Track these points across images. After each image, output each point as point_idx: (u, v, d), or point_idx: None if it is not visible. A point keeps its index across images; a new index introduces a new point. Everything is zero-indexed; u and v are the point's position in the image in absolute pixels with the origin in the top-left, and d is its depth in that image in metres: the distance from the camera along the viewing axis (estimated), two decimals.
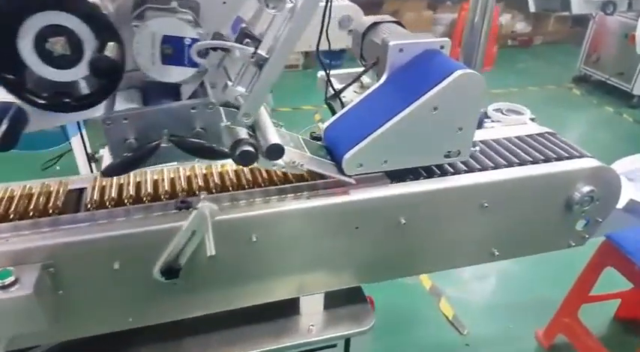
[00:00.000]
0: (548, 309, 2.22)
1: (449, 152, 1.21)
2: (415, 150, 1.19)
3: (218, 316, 1.21)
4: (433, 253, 1.32)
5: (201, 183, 1.17)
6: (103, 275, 1.07)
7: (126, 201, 1.12)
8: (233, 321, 1.32)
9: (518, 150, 1.38)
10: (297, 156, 1.10)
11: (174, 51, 0.94)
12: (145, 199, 1.12)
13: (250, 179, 1.20)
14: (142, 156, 0.88)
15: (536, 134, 1.50)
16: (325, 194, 1.16)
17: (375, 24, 1.41)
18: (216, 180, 1.19)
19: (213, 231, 1.07)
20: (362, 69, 1.40)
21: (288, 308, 1.34)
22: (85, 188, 1.19)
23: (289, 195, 1.15)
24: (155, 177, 1.20)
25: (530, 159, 1.34)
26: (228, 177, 1.20)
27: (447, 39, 1.25)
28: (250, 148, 0.99)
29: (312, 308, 1.34)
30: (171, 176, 1.20)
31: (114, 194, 1.12)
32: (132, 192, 1.13)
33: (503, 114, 1.67)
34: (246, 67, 0.94)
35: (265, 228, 1.12)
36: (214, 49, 0.92)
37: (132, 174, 1.18)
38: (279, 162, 1.04)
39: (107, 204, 1.10)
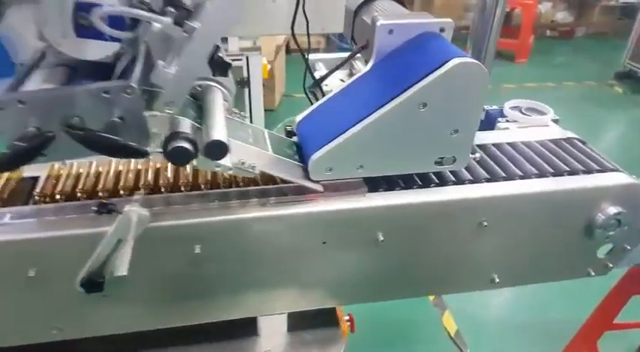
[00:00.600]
0: (562, 333, 1.98)
1: (441, 159, 1.00)
2: (398, 155, 0.97)
3: (167, 331, 1.04)
4: (417, 276, 1.11)
5: (131, 181, 0.99)
6: (16, 282, 0.91)
7: (58, 196, 0.95)
8: (182, 337, 1.15)
9: (533, 159, 1.15)
10: (250, 156, 0.90)
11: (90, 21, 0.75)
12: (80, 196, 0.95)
13: (190, 179, 1.01)
14: (30, 150, 0.70)
15: (558, 139, 1.27)
16: (285, 202, 0.96)
17: (370, 0, 1.19)
18: (151, 178, 1.00)
19: (146, 241, 0.89)
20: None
21: (248, 327, 1.17)
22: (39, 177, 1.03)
23: (241, 201, 0.96)
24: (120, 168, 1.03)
25: (547, 170, 1.11)
26: (167, 175, 1.01)
27: (448, 20, 1.02)
28: (185, 144, 0.80)
29: (272, 329, 1.16)
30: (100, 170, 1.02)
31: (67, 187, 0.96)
32: (86, 185, 0.97)
33: (522, 113, 1.43)
34: (177, 44, 0.75)
35: (212, 238, 0.94)
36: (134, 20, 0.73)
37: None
38: (224, 162, 0.85)
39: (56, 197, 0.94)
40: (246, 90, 3.00)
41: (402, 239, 1.03)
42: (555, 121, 1.41)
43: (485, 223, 1.04)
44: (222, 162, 0.85)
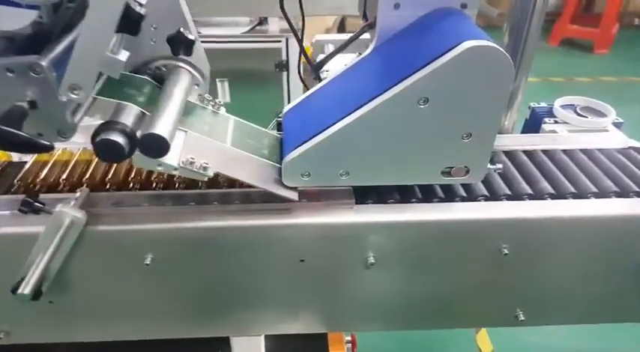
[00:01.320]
0: None
1: (449, 168, 0.79)
2: (393, 162, 0.78)
3: (129, 343, 0.93)
4: (417, 306, 0.92)
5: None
6: None
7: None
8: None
9: (578, 172, 0.92)
10: (205, 154, 0.74)
11: None
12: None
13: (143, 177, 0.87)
14: None
15: (616, 149, 1.01)
16: (251, 210, 0.80)
17: None
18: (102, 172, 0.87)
19: (86, 245, 0.77)
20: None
21: (222, 347, 1.03)
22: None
23: (200, 206, 0.81)
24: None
25: (589, 189, 0.87)
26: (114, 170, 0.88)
27: None
28: (116, 137, 0.65)
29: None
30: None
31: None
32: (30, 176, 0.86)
33: (576, 113, 1.18)
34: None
35: (163, 248, 0.80)
36: None
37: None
38: (167, 161, 0.70)
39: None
40: (285, 73, 2.85)
41: (398, 262, 0.84)
42: (618, 125, 1.15)
43: (506, 251, 0.83)
44: (164, 160, 0.70)
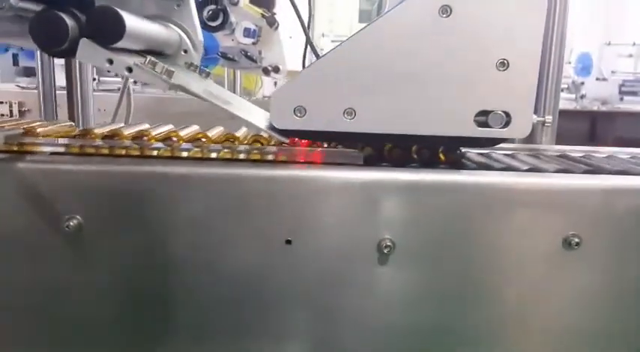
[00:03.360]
0: None
1: (484, 114, 0.61)
2: (410, 97, 0.61)
3: None
4: (453, 317, 0.63)
5: None
6: None
7: None
8: None
9: None
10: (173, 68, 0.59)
11: None
12: None
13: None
14: None
15: None
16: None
17: None
18: None
19: None
20: None
21: None
22: None
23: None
24: None
25: None
26: None
27: None
28: (63, 15, 0.52)
29: None
30: None
31: None
32: None
33: None
34: None
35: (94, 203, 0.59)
36: None
37: None
38: (120, 56, 0.55)
39: None
40: None
41: (417, 244, 0.60)
42: None
43: (577, 240, 0.59)
44: (117, 55, 0.55)
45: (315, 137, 0.65)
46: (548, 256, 0.60)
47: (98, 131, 0.70)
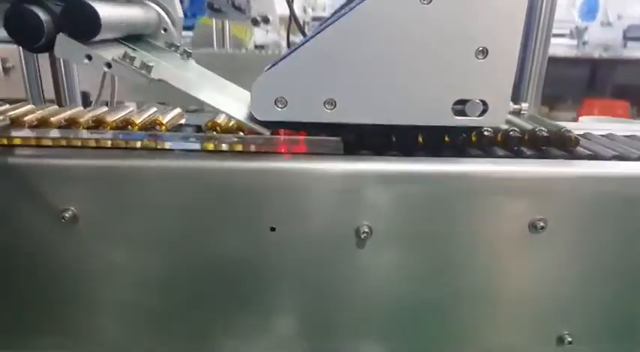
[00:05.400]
0: None
1: (462, 103, 0.62)
2: (390, 87, 0.62)
3: None
4: (427, 307, 0.67)
5: None
6: None
7: None
8: None
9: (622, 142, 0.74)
10: (146, 57, 0.59)
11: None
12: None
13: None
14: None
15: None
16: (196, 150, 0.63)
17: None
18: None
19: None
20: None
21: None
22: None
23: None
24: None
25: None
26: None
27: None
28: (37, 11, 0.52)
29: None
30: None
31: None
32: None
33: None
34: None
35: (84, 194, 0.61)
36: None
37: None
38: (99, 51, 0.55)
39: None
40: None
41: (394, 232, 0.63)
42: None
43: (542, 224, 0.62)
44: (95, 50, 0.55)
45: (296, 128, 0.66)
46: (516, 239, 0.63)
47: (83, 119, 0.71)
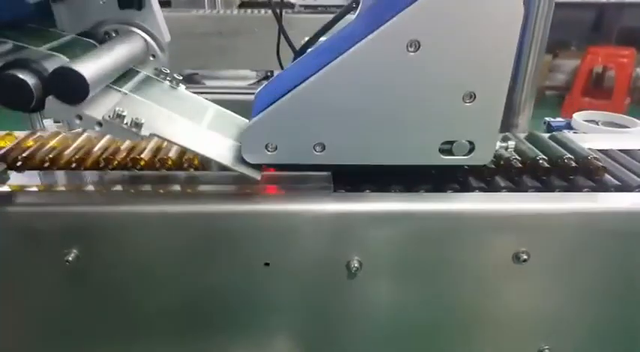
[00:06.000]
0: None
1: (449, 144, 0.63)
2: (378, 132, 0.63)
3: None
4: (415, 331, 0.72)
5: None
6: None
7: None
8: None
9: (612, 166, 0.75)
10: (140, 112, 0.60)
11: None
12: None
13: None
14: None
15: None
16: (197, 193, 0.65)
17: None
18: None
19: None
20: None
21: None
22: None
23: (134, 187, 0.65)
24: None
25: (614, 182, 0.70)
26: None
27: None
28: (24, 76, 0.52)
29: None
30: None
31: None
32: None
33: (598, 126, 1.03)
34: None
35: (89, 238, 0.63)
36: None
37: None
38: (89, 112, 0.56)
39: None
40: None
41: (383, 266, 0.66)
42: None
43: (525, 256, 0.65)
44: (85, 110, 0.55)
45: (285, 167, 0.67)
46: (500, 269, 0.66)
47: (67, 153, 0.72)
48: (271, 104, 0.62)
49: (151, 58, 0.75)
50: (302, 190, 0.66)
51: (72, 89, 0.53)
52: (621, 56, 5.02)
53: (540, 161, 0.71)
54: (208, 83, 2.64)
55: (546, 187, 0.69)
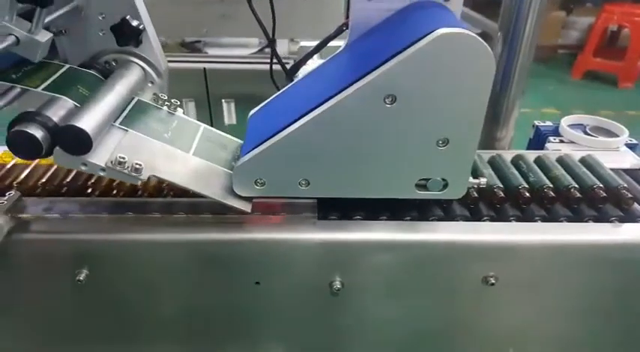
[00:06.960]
0: None
1: (424, 181, 0.69)
2: (358, 171, 0.68)
3: None
4: (393, 343, 0.80)
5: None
6: None
7: None
8: None
9: (577, 192, 0.80)
10: (139, 155, 0.65)
11: None
12: None
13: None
14: None
15: (625, 170, 0.89)
16: (196, 222, 0.71)
17: None
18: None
19: (11, 256, 0.68)
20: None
21: None
22: None
23: (138, 216, 0.72)
24: None
25: (589, 213, 0.76)
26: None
27: None
28: (34, 131, 0.58)
29: None
30: None
31: None
32: None
33: (586, 133, 1.07)
34: None
35: (98, 261, 0.71)
36: None
37: None
38: (93, 160, 0.61)
39: None
40: None
41: (368, 289, 0.73)
42: (631, 147, 1.03)
43: (493, 281, 0.71)
44: (89, 159, 0.61)
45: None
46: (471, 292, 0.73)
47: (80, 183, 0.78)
48: (261, 143, 0.67)
49: (150, 85, 0.80)
50: (289, 219, 0.72)
51: (77, 144, 0.58)
52: (638, 15, 4.85)
53: (522, 190, 0.76)
54: (210, 51, 2.63)
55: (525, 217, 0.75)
